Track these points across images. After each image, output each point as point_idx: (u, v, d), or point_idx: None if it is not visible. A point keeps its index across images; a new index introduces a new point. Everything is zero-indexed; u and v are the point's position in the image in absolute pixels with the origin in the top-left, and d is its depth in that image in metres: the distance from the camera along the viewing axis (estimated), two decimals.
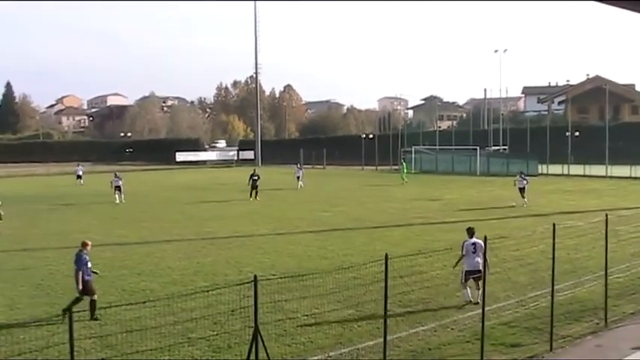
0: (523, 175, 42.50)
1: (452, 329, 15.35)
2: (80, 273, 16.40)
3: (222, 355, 13.66)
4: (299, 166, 63.25)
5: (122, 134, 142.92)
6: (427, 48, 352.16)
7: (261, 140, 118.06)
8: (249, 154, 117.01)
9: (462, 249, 17.62)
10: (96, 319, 15.86)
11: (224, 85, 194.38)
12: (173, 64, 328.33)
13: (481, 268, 15.51)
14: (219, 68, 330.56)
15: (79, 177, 67.50)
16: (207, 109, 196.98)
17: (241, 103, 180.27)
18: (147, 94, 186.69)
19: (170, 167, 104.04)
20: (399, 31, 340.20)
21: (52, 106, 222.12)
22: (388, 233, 30.73)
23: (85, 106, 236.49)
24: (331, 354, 13.69)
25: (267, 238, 29.79)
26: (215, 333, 14.65)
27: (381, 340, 12.64)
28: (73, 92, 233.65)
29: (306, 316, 15.78)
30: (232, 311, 13.83)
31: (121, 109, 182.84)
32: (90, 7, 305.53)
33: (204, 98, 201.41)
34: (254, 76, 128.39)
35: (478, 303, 15.48)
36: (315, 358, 13.55)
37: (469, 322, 15.56)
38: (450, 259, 18.11)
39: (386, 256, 12.31)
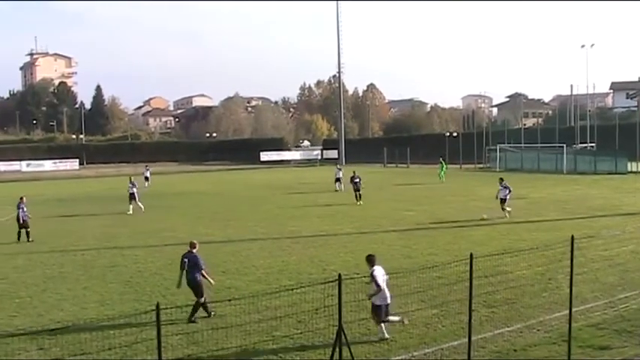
0: (505, 184, 36.77)
1: (538, 330, 15.04)
2: (200, 274, 16.72)
3: (306, 353, 13.76)
4: (339, 166, 61.36)
5: (207, 135, 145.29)
6: (512, 44, 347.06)
7: (344, 139, 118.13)
8: (332, 154, 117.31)
9: (375, 279, 14.71)
10: (193, 322, 16.09)
11: (307, 85, 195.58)
12: (257, 64, 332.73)
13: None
14: (302, 68, 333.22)
15: (146, 179, 68.46)
16: (291, 109, 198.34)
17: (324, 102, 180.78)
18: (231, 95, 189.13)
19: (254, 167, 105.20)
20: (483, 27, 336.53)
21: (139, 107, 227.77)
22: (472, 232, 30.35)
23: (172, 108, 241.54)
24: (415, 354, 13.62)
25: (351, 237, 29.83)
26: (299, 331, 14.75)
27: (466, 340, 12.54)
28: (160, 94, 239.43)
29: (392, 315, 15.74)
30: (316, 310, 13.91)
31: (206, 110, 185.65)
32: (177, 9, 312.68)
33: (288, 98, 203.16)
34: (337, 75, 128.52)
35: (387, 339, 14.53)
36: (399, 357, 13.50)
37: (556, 324, 15.23)
38: (535, 259, 17.80)
39: (471, 255, 12.20)
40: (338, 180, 55.80)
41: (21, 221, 31.05)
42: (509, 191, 36.04)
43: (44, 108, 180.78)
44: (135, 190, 43.51)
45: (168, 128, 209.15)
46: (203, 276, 16.75)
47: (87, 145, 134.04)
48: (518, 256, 16.12)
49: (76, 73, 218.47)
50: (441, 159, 68.16)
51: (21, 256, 26.91)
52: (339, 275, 11.04)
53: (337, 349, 11.13)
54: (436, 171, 67.29)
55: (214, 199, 48.54)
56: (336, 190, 54.29)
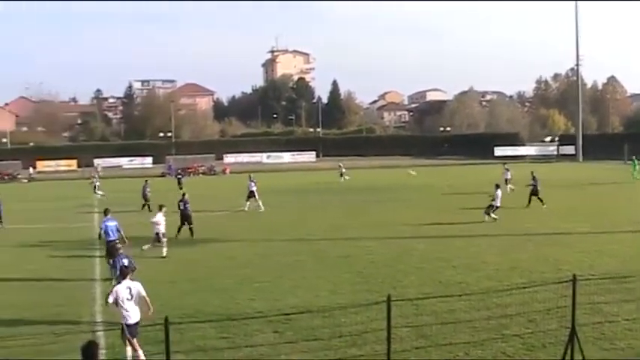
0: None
1: None
2: None
3: (535, 353, 13.31)
4: (506, 167, 54.51)
5: (441, 129, 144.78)
6: None
7: (582, 135, 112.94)
8: (569, 149, 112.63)
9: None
10: None
11: (544, 79, 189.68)
12: (492, 58, 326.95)
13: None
14: (538, 62, 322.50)
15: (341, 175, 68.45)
16: (527, 103, 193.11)
17: (561, 96, 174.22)
18: (466, 89, 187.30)
19: (488, 162, 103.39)
20: None
21: (374, 102, 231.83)
22: None
23: (406, 102, 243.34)
24: None
25: (587, 237, 28.46)
26: (530, 331, 14.33)
27: None
28: (395, 88, 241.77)
29: (628, 320, 14.85)
30: (548, 310, 13.47)
31: (440, 104, 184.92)
32: (415, 7, 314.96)
33: (523, 92, 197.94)
34: (575, 68, 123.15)
35: None
36: None
37: None
38: None
39: None
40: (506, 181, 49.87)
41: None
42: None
43: (284, 102, 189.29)
44: (254, 187, 41.53)
45: (403, 122, 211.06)
46: None
47: (323, 139, 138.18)
48: None
49: (313, 68, 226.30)
50: (634, 158, 63.10)
51: (261, 243, 28.40)
52: (574, 276, 10.62)
53: (569, 351, 10.70)
54: None
55: (449, 194, 48.33)
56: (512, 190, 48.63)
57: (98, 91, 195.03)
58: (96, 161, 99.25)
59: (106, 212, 23.32)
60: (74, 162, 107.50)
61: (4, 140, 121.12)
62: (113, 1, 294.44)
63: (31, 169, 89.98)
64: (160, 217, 26.07)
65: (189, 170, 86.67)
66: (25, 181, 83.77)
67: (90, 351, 8.38)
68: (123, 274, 13.83)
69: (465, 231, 30.63)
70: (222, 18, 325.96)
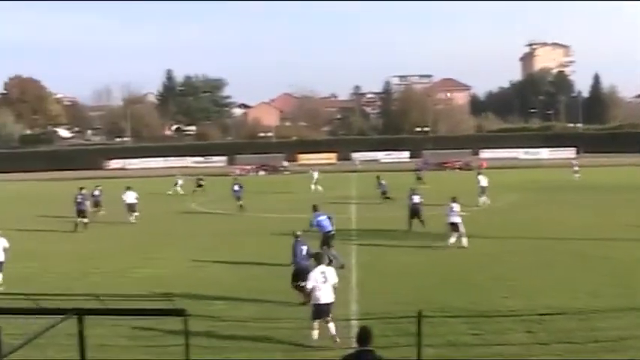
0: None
1: None
2: None
3: None
4: None
5: None
6: None
7: None
8: None
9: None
10: None
11: None
12: None
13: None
14: None
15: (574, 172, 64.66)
16: None
17: None
18: None
19: None
20: None
21: (638, 95, 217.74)
22: None
23: None
24: None
25: None
26: None
27: None
28: None
29: None
30: None
31: None
32: None
33: None
34: None
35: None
36: None
37: None
38: None
39: None
40: None
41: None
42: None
43: (542, 97, 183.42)
44: (485, 183, 42.01)
45: None
46: None
47: (583, 134, 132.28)
48: None
49: (573, 61, 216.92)
50: None
51: (512, 240, 27.87)
52: None
53: None
54: None
55: None
56: None
57: (357, 87, 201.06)
58: (354, 155, 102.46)
59: (315, 208, 24.71)
60: (334, 155, 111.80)
61: (270, 134, 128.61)
62: (373, 2, 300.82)
63: (285, 162, 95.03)
64: (456, 207, 27.06)
65: (446, 165, 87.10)
66: (287, 173, 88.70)
67: (364, 336, 8.78)
68: (318, 259, 15.47)
69: None
70: (477, 13, 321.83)
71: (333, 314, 14.62)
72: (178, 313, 8.55)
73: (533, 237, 28.51)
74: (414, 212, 31.02)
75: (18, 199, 58.09)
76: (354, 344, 8.94)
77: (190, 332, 9.03)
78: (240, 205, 41.91)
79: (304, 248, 18.89)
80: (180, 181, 59.15)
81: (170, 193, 57.01)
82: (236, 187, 43.15)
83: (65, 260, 26.24)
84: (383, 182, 46.19)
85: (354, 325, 14.61)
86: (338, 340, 14.05)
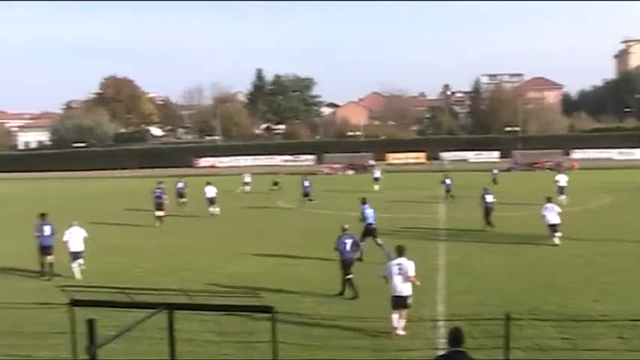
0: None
1: None
2: None
3: None
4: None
5: None
6: None
7: None
8: None
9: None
10: None
11: None
12: None
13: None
14: None
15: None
16: None
17: None
18: None
19: None
20: None
21: None
22: None
23: None
24: None
25: None
26: None
27: None
28: None
29: None
30: None
31: None
32: None
33: None
34: None
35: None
36: None
37: None
38: None
39: None
40: None
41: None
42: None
43: (637, 96, 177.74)
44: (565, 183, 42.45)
45: None
46: None
47: None
48: None
49: None
50: None
51: (605, 243, 27.20)
52: None
53: None
54: None
55: None
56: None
57: (446, 86, 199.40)
58: (442, 155, 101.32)
59: (364, 201, 26.84)
60: (422, 155, 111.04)
61: (359, 133, 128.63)
62: (463, 1, 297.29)
63: (372, 161, 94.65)
64: (555, 207, 27.61)
65: (536, 165, 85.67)
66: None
67: (457, 337, 8.83)
68: (399, 251, 15.76)
69: None
70: (569, 10, 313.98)
71: (413, 309, 14.66)
72: (266, 310, 8.76)
73: (626, 240, 27.70)
74: (487, 212, 31.32)
75: (109, 196, 59.84)
76: (443, 345, 8.97)
77: (278, 329, 9.22)
78: (310, 200, 44.03)
79: (349, 242, 19.24)
80: (247, 179, 59.46)
81: (238, 191, 56.91)
82: (306, 183, 44.99)
83: (152, 256, 27.01)
84: (447, 181, 46.74)
85: (441, 326, 14.62)
86: (401, 332, 14.61)
